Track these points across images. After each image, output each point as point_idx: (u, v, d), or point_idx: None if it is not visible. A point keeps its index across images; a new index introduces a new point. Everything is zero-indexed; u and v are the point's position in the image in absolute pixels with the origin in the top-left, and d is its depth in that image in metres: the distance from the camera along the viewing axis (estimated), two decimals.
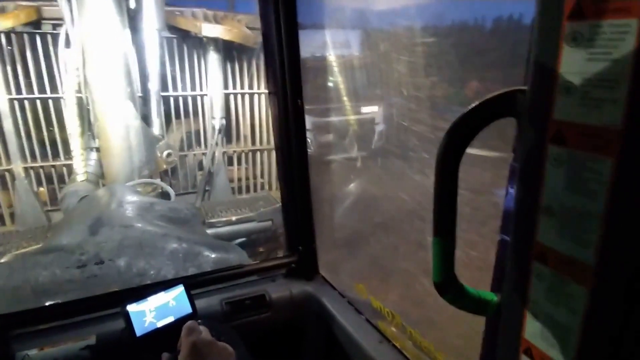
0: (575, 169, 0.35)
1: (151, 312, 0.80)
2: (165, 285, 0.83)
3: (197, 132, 4.40)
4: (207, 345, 0.70)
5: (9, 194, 3.70)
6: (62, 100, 3.41)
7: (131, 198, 2.29)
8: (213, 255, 1.83)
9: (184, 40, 3.91)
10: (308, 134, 1.46)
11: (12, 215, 3.73)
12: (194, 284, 1.28)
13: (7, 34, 3.30)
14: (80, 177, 3.02)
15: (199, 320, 0.78)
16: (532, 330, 0.43)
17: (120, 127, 3.16)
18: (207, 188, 4.48)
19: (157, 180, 3.17)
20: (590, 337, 0.35)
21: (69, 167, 3.57)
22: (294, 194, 1.48)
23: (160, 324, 0.80)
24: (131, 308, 0.78)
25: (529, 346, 0.44)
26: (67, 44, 2.95)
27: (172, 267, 1.72)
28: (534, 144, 0.39)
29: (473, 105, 0.45)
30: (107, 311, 1.18)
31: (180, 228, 2.23)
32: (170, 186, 4.04)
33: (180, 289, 0.84)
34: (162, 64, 3.73)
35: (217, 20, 3.78)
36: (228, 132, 4.47)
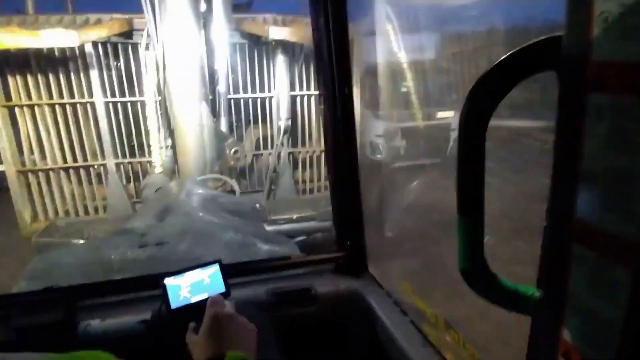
0: (619, 121, 0.28)
1: (186, 288, 0.83)
2: (202, 264, 0.86)
3: (265, 134, 4.59)
4: (228, 318, 0.71)
5: (103, 187, 4.21)
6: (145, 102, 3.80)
7: (198, 190, 2.44)
8: (265, 247, 1.87)
9: (254, 45, 4.12)
10: (379, 139, 1.44)
11: (104, 206, 4.24)
12: (240, 271, 1.32)
13: (104, 43, 3.77)
14: (157, 169, 3.33)
15: (230, 299, 0.79)
16: (572, 328, 0.35)
17: (195, 126, 3.41)
18: (272, 187, 4.65)
19: (224, 176, 3.36)
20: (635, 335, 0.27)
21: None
22: (343, 190, 1.46)
23: (193, 299, 0.83)
24: (168, 281, 0.82)
25: (567, 349, 0.36)
26: (147, 47, 3.29)
27: (227, 254, 1.78)
28: (570, 95, 0.32)
29: (501, 58, 0.38)
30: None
31: (241, 221, 2.32)
32: (240, 185, 4.27)
33: (215, 268, 0.87)
34: (231, 67, 3.98)
35: (285, 24, 3.92)
36: (294, 133, 4.59)
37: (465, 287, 0.46)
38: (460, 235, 0.45)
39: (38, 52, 3.64)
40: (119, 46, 3.83)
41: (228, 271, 0.90)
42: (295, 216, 3.40)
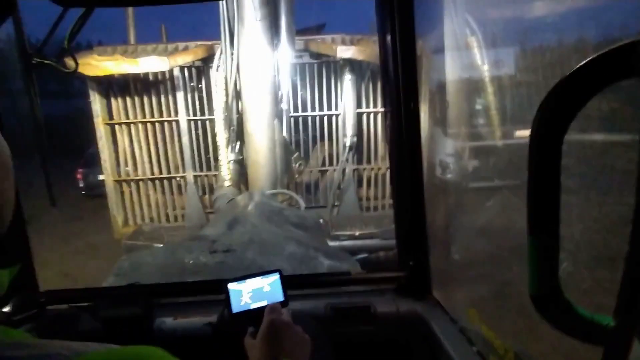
0: None
1: (248, 294, 0.87)
2: (264, 272, 0.90)
3: (330, 151, 4.68)
4: (285, 326, 0.74)
5: (182, 197, 4.59)
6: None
7: (265, 203, 2.55)
8: (327, 262, 1.88)
9: (323, 64, 4.27)
10: (450, 158, 1.40)
11: (182, 215, 4.61)
12: (300, 283, 1.34)
13: (189, 67, 4.18)
14: (227, 183, 3.55)
15: (288, 309, 0.81)
16: None
17: (268, 141, 3.59)
18: (336, 203, 4.68)
19: (289, 191, 3.47)
20: None
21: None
22: (407, 209, 1.42)
23: (253, 306, 0.86)
24: (231, 286, 0.86)
25: None
26: (218, 69, 3.59)
27: (289, 265, 1.83)
28: None
29: (578, 65, 0.35)
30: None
31: (304, 234, 2.36)
32: (305, 200, 4.38)
33: (275, 277, 0.89)
34: (299, 86, 4.14)
35: (353, 43, 4.00)
36: (360, 151, 4.61)
37: (540, 317, 0.42)
38: (531, 258, 0.42)
39: (136, 77, 4.15)
40: (202, 69, 4.22)
41: (288, 281, 0.92)
42: (357, 233, 3.38)
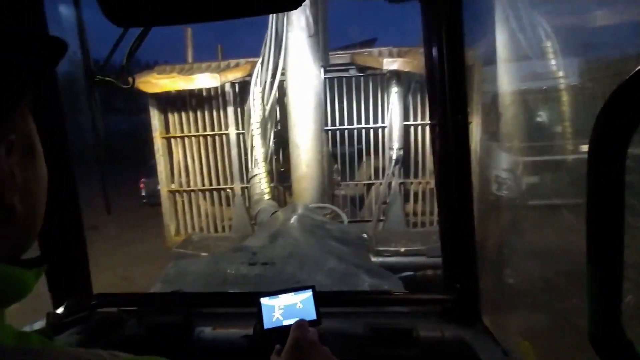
0: None
1: (280, 309, 0.85)
2: (296, 288, 0.87)
3: (377, 165, 4.61)
4: (310, 345, 0.72)
5: (230, 209, 4.74)
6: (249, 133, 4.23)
7: (307, 216, 2.55)
8: (368, 280, 1.82)
9: (369, 77, 4.25)
10: (505, 174, 1.32)
11: (230, 226, 4.75)
12: (336, 301, 1.29)
13: (239, 83, 4.35)
14: (266, 196, 3.61)
15: (319, 328, 0.77)
16: None
17: (316, 154, 3.62)
18: (381, 218, 4.58)
19: (332, 206, 3.45)
20: None
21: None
22: (454, 227, 1.33)
23: (285, 322, 0.83)
24: (264, 301, 0.85)
25: None
26: (256, 83, 3.68)
27: (328, 281, 1.79)
28: None
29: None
30: None
31: (345, 249, 2.32)
32: (349, 214, 4.34)
33: (308, 294, 0.87)
34: (340, 99, 4.14)
35: (400, 55, 3.95)
36: (407, 164, 4.50)
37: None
38: (589, 291, 0.36)
39: (191, 93, 4.41)
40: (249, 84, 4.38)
41: (324, 298, 0.89)
42: (402, 249, 3.26)
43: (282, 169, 3.93)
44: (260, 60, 3.63)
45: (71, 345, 1.09)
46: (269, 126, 3.84)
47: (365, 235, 3.33)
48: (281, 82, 3.85)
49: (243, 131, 4.51)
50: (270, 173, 4.00)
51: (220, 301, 1.37)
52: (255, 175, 3.80)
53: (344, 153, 4.50)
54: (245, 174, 4.60)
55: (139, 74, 4.20)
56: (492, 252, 1.27)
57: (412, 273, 3.19)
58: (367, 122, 4.41)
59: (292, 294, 0.87)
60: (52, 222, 1.31)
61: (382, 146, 4.44)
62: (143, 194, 7.76)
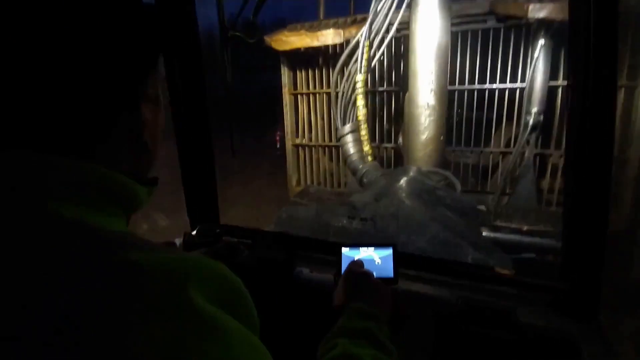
0: None
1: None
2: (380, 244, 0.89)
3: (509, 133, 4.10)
4: (361, 275, 0.82)
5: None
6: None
7: (418, 180, 2.48)
8: (471, 252, 1.72)
9: (511, 28, 3.68)
10: None
11: (345, 182, 4.91)
12: (418, 264, 1.26)
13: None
14: (369, 157, 3.59)
15: (394, 285, 0.81)
16: None
17: (438, 117, 3.40)
18: (507, 191, 4.13)
19: (446, 172, 3.23)
20: None
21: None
22: (581, 208, 1.14)
23: None
24: (344, 251, 0.89)
25: None
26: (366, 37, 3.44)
27: (430, 248, 1.76)
28: None
29: None
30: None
31: (454, 219, 2.21)
32: (471, 184, 4.03)
33: (389, 251, 0.87)
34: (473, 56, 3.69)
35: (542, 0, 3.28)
36: (548, 132, 3.88)
37: None
38: None
39: (317, 50, 4.52)
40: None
41: (415, 262, 0.89)
42: (525, 228, 2.91)
43: (386, 129, 3.79)
44: (372, 12, 3.38)
45: None
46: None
47: (482, 208, 3.09)
48: (396, 39, 3.60)
49: (372, 89, 4.46)
50: (372, 132, 3.92)
51: (317, 247, 1.48)
52: (356, 134, 3.72)
53: (470, 116, 4.11)
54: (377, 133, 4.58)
55: (273, 32, 4.48)
56: (622, 240, 1.05)
57: (532, 255, 2.87)
58: (502, 81, 3.89)
59: (373, 248, 0.89)
60: (196, 165, 1.59)
61: (518, 110, 3.89)
62: (278, 146, 8.66)
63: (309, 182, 5.16)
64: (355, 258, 0.88)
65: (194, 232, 1.56)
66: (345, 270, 0.83)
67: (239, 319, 0.37)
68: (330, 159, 5.01)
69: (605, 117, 1.02)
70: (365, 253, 0.89)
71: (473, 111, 4.12)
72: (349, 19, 4.39)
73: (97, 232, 0.37)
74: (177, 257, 0.37)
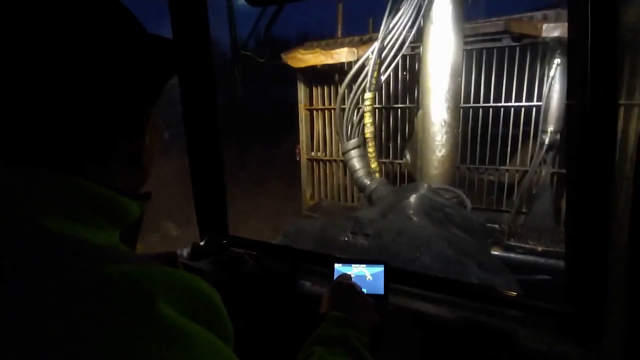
0: None
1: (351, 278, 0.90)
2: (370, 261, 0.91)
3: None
4: (346, 287, 0.85)
5: None
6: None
7: (427, 197, 2.47)
8: (476, 272, 1.70)
9: (527, 47, 3.67)
10: None
11: (358, 197, 4.92)
12: (412, 281, 1.26)
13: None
14: (377, 174, 3.58)
15: (383, 302, 0.81)
16: None
17: (451, 134, 3.40)
18: (523, 210, 4.04)
19: (456, 189, 3.20)
20: None
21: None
22: (584, 228, 1.12)
23: None
24: (337, 266, 0.91)
25: None
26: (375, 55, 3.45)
27: (435, 265, 1.75)
28: None
29: None
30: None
31: (461, 237, 2.19)
32: (485, 201, 3.96)
33: (380, 269, 0.89)
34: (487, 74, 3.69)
35: (557, 20, 3.27)
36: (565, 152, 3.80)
37: None
38: None
39: (333, 67, 4.61)
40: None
41: (415, 279, 0.90)
42: (540, 248, 2.84)
43: (390, 145, 3.78)
44: (382, 31, 3.39)
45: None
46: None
47: (495, 226, 3.04)
48: (408, 56, 3.60)
49: (380, 105, 4.52)
50: (378, 149, 3.93)
51: (314, 260, 1.51)
52: (361, 149, 3.71)
53: (484, 133, 4.08)
54: (380, 150, 4.62)
55: (290, 50, 4.61)
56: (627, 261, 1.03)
57: (548, 277, 2.79)
58: (518, 99, 3.86)
59: (365, 265, 0.91)
60: (206, 177, 1.65)
61: (535, 128, 3.84)
62: (297, 158, 8.78)
63: (322, 196, 5.19)
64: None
65: (202, 242, 1.60)
66: (333, 282, 0.87)
67: (210, 329, 0.38)
68: (345, 173, 5.05)
69: (606, 137, 1.02)
70: (357, 269, 0.91)
71: (488, 129, 4.10)
72: (364, 37, 4.48)
73: (80, 246, 0.38)
74: (149, 270, 0.38)
